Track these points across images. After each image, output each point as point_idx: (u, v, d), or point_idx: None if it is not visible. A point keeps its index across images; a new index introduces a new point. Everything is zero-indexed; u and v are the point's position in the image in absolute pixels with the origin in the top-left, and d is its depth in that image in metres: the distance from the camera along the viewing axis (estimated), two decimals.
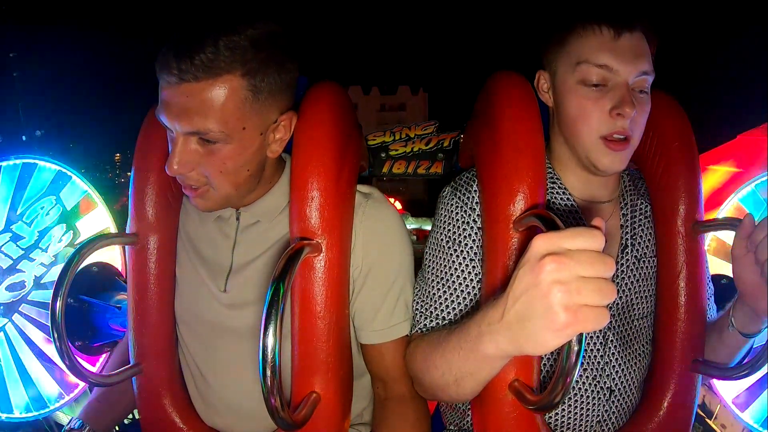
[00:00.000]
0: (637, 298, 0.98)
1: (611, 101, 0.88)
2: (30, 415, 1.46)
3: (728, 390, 1.34)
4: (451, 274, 0.95)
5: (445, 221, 0.97)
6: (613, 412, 0.97)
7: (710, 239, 1.33)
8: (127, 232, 1.02)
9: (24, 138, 1.54)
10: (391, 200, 1.04)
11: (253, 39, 0.81)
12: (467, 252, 0.94)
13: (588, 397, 0.95)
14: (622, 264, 0.98)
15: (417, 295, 0.99)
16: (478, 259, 0.93)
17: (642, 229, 1.00)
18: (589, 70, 0.89)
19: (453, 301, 0.94)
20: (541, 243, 0.57)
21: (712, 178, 1.37)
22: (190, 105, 0.80)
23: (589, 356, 0.94)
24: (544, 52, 0.98)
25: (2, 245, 1.45)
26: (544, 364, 0.92)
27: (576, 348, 0.58)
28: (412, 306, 0.99)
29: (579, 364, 0.60)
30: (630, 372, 0.97)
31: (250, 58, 0.81)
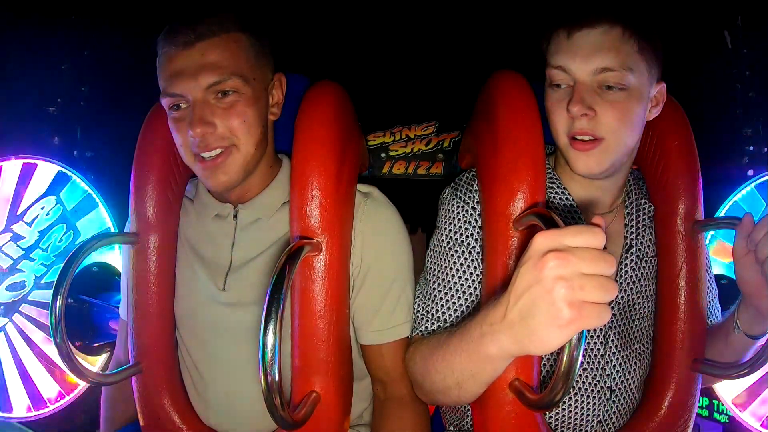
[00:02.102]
0: (638, 297, 0.98)
1: (568, 101, 0.87)
2: (30, 415, 1.46)
3: (728, 390, 1.34)
4: (453, 275, 0.94)
5: (446, 222, 0.97)
6: (614, 412, 0.97)
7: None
8: (126, 231, 1.02)
9: (75, 153, 1.57)
10: None
11: (237, 15, 0.91)
12: (469, 252, 0.94)
13: (588, 396, 0.94)
14: (626, 264, 0.98)
15: (418, 296, 0.99)
16: (480, 260, 0.93)
17: (644, 229, 1.00)
18: (550, 73, 0.90)
19: (454, 303, 0.94)
20: (543, 240, 0.57)
21: None
22: (207, 60, 0.86)
23: (590, 356, 0.94)
24: None
25: (2, 245, 1.45)
26: (544, 364, 0.91)
27: (576, 347, 0.58)
28: (414, 308, 0.99)
29: (579, 363, 0.59)
30: (630, 371, 0.97)
31: (245, 24, 0.91)
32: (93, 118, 1.56)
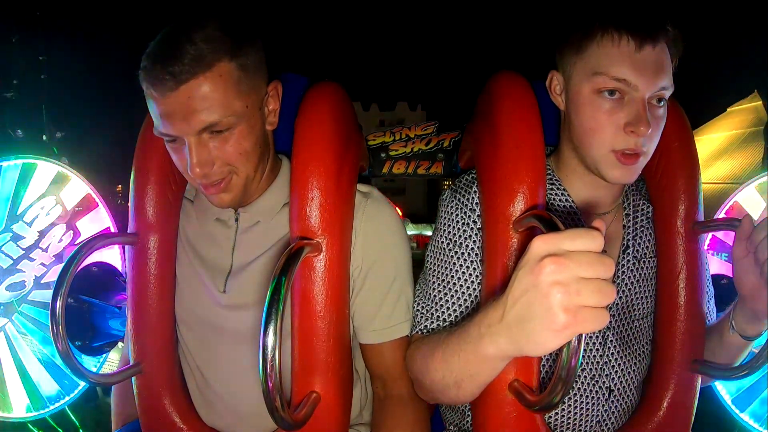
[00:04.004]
0: (636, 298, 0.98)
1: (626, 116, 0.84)
2: (30, 415, 1.47)
3: (728, 390, 1.34)
4: (452, 276, 0.95)
5: (445, 223, 0.98)
6: (613, 413, 0.97)
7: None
8: (127, 232, 1.02)
9: (45, 138, 1.54)
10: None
11: (221, 27, 0.84)
12: (467, 253, 0.94)
13: (587, 397, 0.95)
14: (623, 265, 0.98)
15: (418, 296, 0.99)
16: (479, 261, 0.93)
17: (643, 230, 1.00)
18: (606, 83, 0.85)
19: (454, 303, 0.94)
20: (541, 244, 0.57)
21: (711, 145, 1.39)
22: (194, 103, 0.81)
23: (589, 356, 0.94)
24: (559, 54, 0.93)
25: (2, 245, 1.45)
26: (544, 365, 0.92)
27: (576, 348, 0.59)
28: (413, 307, 0.99)
29: (578, 365, 0.60)
30: (629, 372, 0.97)
31: (229, 42, 0.84)
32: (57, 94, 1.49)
